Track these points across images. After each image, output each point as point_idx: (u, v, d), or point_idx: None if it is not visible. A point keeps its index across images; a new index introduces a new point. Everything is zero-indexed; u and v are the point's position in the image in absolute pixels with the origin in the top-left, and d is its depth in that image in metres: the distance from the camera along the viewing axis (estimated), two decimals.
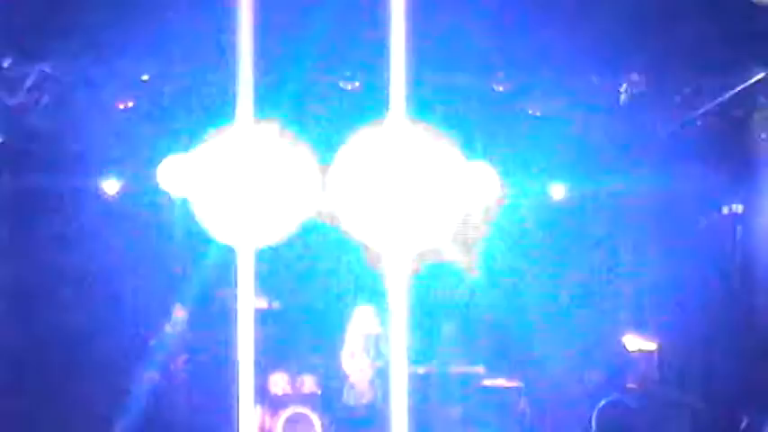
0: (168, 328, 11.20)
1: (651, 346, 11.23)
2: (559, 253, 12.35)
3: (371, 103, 9.69)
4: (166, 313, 11.35)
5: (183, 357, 11.05)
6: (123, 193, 12.13)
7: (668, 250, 11.73)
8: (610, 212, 12.56)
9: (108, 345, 11.74)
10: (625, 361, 10.59)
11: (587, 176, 12.28)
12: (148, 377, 10.95)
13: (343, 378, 11.75)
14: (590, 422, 10.04)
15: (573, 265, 12.29)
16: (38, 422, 11.08)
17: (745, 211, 10.18)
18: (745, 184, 10.17)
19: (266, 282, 13.25)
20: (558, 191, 12.51)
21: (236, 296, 13.34)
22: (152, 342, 11.04)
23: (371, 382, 11.29)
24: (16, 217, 11.73)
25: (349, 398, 11.53)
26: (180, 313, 11.25)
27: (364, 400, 11.31)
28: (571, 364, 10.92)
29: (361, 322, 11.59)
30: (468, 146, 11.06)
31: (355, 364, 11.58)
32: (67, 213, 12.05)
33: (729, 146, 10.21)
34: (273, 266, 13.06)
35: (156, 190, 11.62)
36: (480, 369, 11.80)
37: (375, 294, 12.91)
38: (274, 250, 12.99)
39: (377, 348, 11.52)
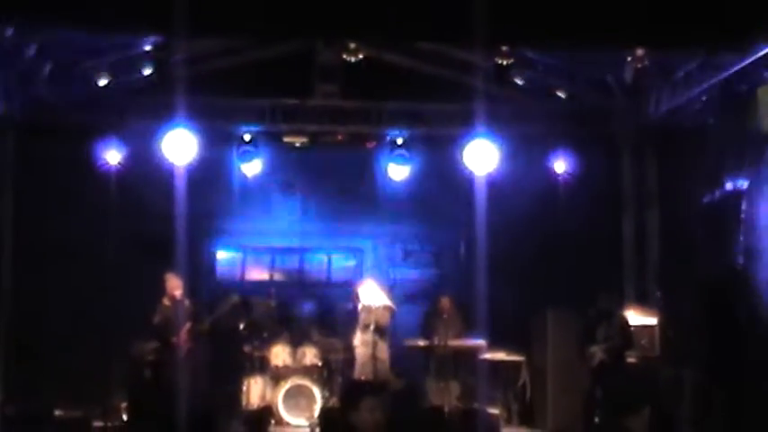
0: (166, 301, 11.10)
1: (652, 320, 11.21)
2: (560, 228, 12.33)
3: None
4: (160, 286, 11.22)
5: (187, 326, 10.92)
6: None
7: (671, 227, 11.74)
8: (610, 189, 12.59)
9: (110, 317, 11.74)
10: (626, 335, 10.54)
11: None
12: (152, 347, 10.89)
13: (343, 350, 11.74)
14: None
15: (575, 240, 12.28)
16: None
17: (749, 188, 10.06)
18: (749, 161, 10.06)
19: (266, 254, 13.31)
20: (559, 165, 12.50)
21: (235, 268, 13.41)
22: (155, 318, 10.95)
23: (373, 355, 11.25)
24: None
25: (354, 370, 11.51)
26: (174, 283, 11.07)
27: (366, 373, 11.27)
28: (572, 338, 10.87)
29: (363, 295, 11.53)
30: None
31: (359, 338, 11.54)
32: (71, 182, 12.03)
33: (733, 121, 10.12)
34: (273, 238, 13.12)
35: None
36: (482, 343, 11.77)
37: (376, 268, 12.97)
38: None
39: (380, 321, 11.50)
